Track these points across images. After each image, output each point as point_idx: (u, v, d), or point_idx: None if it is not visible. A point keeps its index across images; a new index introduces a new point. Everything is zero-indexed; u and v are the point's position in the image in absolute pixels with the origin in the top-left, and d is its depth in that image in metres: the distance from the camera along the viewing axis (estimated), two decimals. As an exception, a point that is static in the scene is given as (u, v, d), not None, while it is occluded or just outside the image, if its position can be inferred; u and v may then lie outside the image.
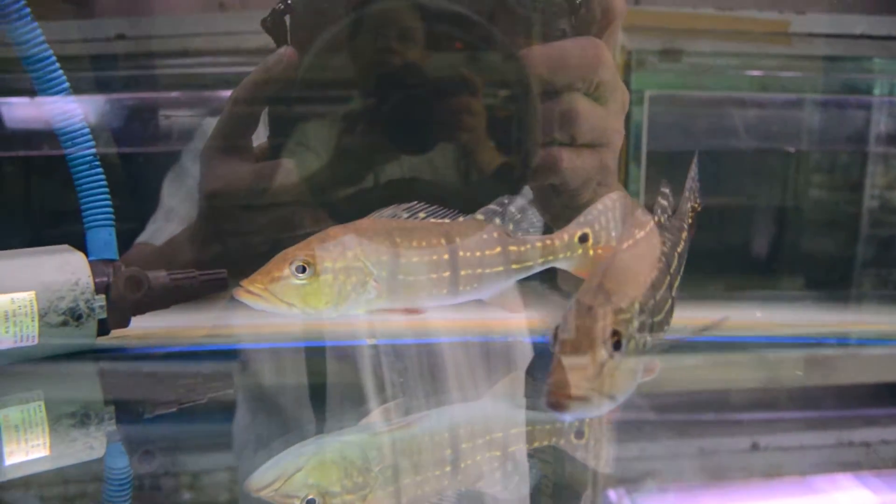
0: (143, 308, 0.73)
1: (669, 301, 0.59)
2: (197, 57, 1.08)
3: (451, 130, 0.79)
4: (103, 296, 0.70)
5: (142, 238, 0.94)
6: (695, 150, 0.75)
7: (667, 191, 0.66)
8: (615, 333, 0.48)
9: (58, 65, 0.69)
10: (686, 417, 0.63)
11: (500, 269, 0.67)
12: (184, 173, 0.98)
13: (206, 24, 1.09)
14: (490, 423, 0.62)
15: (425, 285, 0.64)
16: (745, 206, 1.19)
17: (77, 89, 1.00)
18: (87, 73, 1.05)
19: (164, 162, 1.05)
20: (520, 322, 0.78)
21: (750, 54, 1.14)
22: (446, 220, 0.66)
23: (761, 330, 0.87)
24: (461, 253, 0.65)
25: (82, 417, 0.65)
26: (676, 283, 0.62)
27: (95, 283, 0.69)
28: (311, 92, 0.79)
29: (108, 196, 0.72)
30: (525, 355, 0.77)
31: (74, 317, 0.68)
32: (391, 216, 0.65)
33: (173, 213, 0.96)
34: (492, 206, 0.68)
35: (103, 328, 0.71)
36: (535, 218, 0.69)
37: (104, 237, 0.72)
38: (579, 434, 0.57)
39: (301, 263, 0.61)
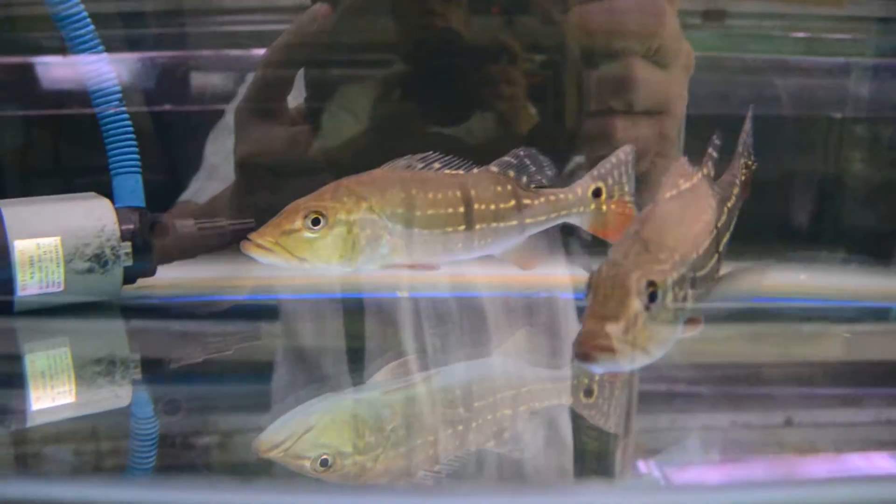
0: (169, 257, 0.72)
1: (716, 256, 0.56)
2: (230, 15, 1.07)
3: (489, 99, 0.76)
4: (129, 243, 0.69)
5: (185, 196, 0.93)
6: (746, 112, 0.70)
7: (718, 142, 0.62)
8: (651, 284, 0.46)
9: (89, 21, 0.68)
10: (720, 390, 0.61)
11: (514, 223, 0.65)
12: (226, 132, 0.97)
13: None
14: (497, 382, 0.60)
15: (440, 239, 0.62)
16: (788, 172, 1.15)
17: (112, 47, 1.00)
18: (121, 30, 1.04)
19: (197, 120, 1.04)
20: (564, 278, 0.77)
21: (797, 15, 1.10)
22: (461, 172, 0.64)
23: (803, 293, 0.83)
24: (477, 206, 0.63)
25: (108, 365, 0.64)
26: (725, 239, 0.59)
27: (121, 230, 0.69)
28: (350, 53, 0.77)
29: (134, 143, 0.71)
30: (566, 311, 0.74)
31: (100, 263, 0.68)
32: (405, 167, 0.63)
33: (216, 172, 0.94)
34: (506, 158, 0.66)
35: (129, 277, 0.70)
36: (549, 170, 0.67)
37: (131, 184, 0.71)
38: (588, 393, 0.56)
39: (315, 215, 0.59)
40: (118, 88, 0.70)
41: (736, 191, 0.63)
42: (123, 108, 0.71)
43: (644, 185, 0.70)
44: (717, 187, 0.60)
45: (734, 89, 1.00)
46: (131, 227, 0.69)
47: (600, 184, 0.67)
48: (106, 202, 0.69)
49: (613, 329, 0.44)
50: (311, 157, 0.76)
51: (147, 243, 0.69)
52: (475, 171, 0.64)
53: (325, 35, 0.74)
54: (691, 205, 0.54)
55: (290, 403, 0.54)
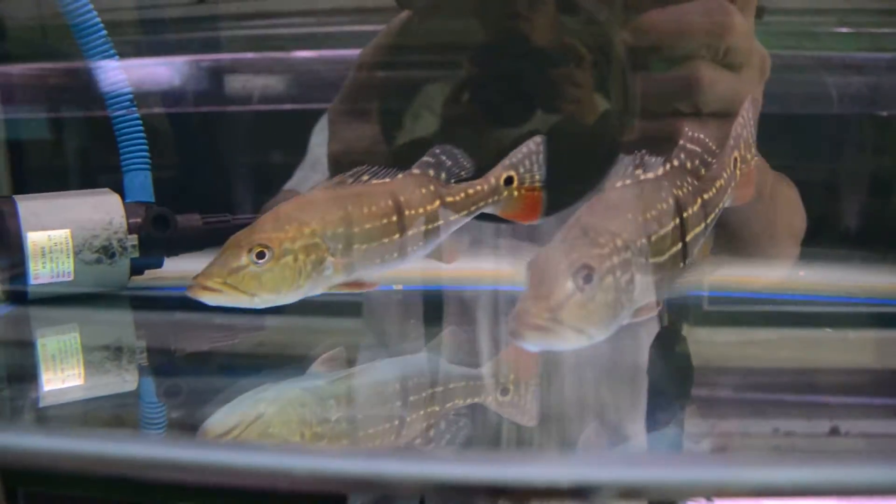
0: (175, 249, 0.75)
1: (679, 245, 0.56)
2: (270, 18, 1.11)
3: (554, 101, 0.77)
4: (136, 235, 0.73)
5: (288, 185, 0.98)
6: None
7: (693, 135, 0.62)
8: (585, 266, 0.47)
9: (102, 29, 0.72)
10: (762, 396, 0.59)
11: (441, 222, 0.66)
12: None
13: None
14: (426, 378, 0.61)
15: (378, 252, 0.62)
16: (835, 172, 1.11)
17: (159, 51, 1.05)
18: (170, 35, 1.09)
19: (237, 120, 1.09)
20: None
21: (842, 10, 1.06)
22: (388, 180, 0.64)
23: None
24: (407, 212, 0.63)
25: (115, 351, 0.67)
26: (698, 230, 0.59)
27: (129, 224, 0.73)
28: (431, 55, 0.80)
29: (144, 141, 0.75)
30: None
31: (108, 254, 0.72)
32: (337, 184, 0.63)
33: (318, 163, 0.97)
34: (426, 159, 0.67)
35: (137, 268, 0.74)
36: (465, 161, 0.68)
37: (140, 180, 0.75)
38: (504, 391, 0.56)
39: (259, 249, 0.57)
40: (129, 91, 0.74)
41: (719, 183, 0.62)
42: (135, 109, 0.74)
43: None
44: (690, 179, 0.59)
45: (780, 88, 0.97)
46: (138, 220, 0.73)
47: (512, 172, 0.68)
48: (115, 197, 0.73)
49: (544, 308, 0.46)
50: (394, 155, 0.78)
51: (149, 234, 0.71)
52: (399, 176, 0.64)
53: (411, 38, 0.76)
54: (645, 194, 0.55)
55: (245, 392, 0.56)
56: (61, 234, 0.70)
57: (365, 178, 0.63)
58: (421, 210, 0.64)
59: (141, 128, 0.75)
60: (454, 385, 0.58)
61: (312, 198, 0.61)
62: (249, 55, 1.12)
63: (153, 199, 0.75)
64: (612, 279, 0.48)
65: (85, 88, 0.95)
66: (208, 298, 0.57)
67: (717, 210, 0.62)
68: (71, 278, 0.71)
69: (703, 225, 0.59)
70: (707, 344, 0.69)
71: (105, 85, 0.73)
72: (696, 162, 0.61)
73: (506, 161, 0.67)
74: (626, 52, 0.75)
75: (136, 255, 0.72)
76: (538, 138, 0.68)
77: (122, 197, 0.75)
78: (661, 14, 0.73)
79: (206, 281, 0.56)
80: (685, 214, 0.57)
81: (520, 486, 0.39)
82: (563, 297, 0.46)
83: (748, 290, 0.78)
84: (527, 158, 0.68)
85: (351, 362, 0.62)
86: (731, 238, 0.78)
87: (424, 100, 0.80)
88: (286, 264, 0.57)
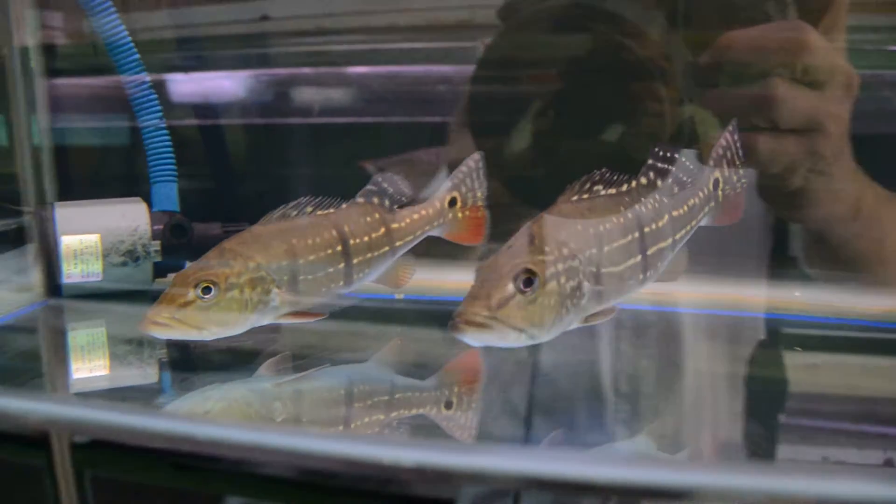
0: (196, 254, 0.82)
1: (638, 257, 0.59)
2: (329, 35, 1.17)
3: (635, 115, 0.80)
4: (159, 241, 0.80)
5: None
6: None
7: (660, 153, 0.64)
8: (527, 271, 0.51)
9: (133, 47, 0.80)
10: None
11: (387, 248, 0.68)
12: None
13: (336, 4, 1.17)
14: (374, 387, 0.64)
15: (323, 281, 0.64)
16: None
17: (224, 66, 1.13)
18: (234, 50, 1.17)
19: (296, 132, 1.15)
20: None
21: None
22: (331, 211, 0.66)
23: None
24: (352, 241, 0.65)
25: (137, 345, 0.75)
26: (663, 245, 0.62)
27: (153, 231, 0.80)
28: (523, 70, 0.85)
29: (171, 155, 0.83)
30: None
31: (133, 258, 0.80)
32: (281, 216, 0.65)
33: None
34: (369, 187, 0.69)
35: (160, 271, 0.81)
36: (405, 188, 0.70)
37: (166, 191, 0.83)
38: (448, 405, 0.59)
39: (205, 284, 0.60)
40: (159, 106, 0.82)
41: (693, 202, 0.64)
42: (164, 125, 0.82)
43: (801, 199, 0.75)
44: (659, 196, 0.62)
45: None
46: (161, 227, 0.80)
47: (455, 193, 0.70)
48: (142, 206, 0.81)
49: (483, 306, 0.50)
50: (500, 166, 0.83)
51: (168, 241, 0.79)
52: (343, 206, 0.66)
53: (502, 53, 0.81)
54: (599, 208, 0.58)
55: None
56: (91, 239, 0.79)
57: (308, 209, 0.65)
58: (366, 238, 0.66)
59: (169, 141, 0.82)
60: (398, 395, 0.62)
61: (257, 232, 0.64)
62: (306, 70, 1.18)
63: (178, 209, 0.82)
64: (555, 284, 0.52)
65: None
66: (159, 333, 0.60)
67: (688, 227, 0.64)
68: (100, 278, 0.79)
69: (669, 240, 0.62)
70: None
71: (135, 100, 0.80)
72: (669, 181, 0.63)
73: (448, 183, 0.70)
74: (701, 68, 0.77)
75: (159, 259, 0.80)
76: (476, 156, 0.70)
77: (150, 206, 0.81)
78: (738, 33, 0.75)
79: (155, 317, 0.59)
80: (646, 229, 0.59)
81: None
82: (503, 298, 0.51)
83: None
84: (468, 178, 0.70)
85: (297, 368, 0.66)
86: (833, 258, 0.80)
87: (523, 113, 0.84)
88: (232, 298, 0.60)
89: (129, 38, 0.80)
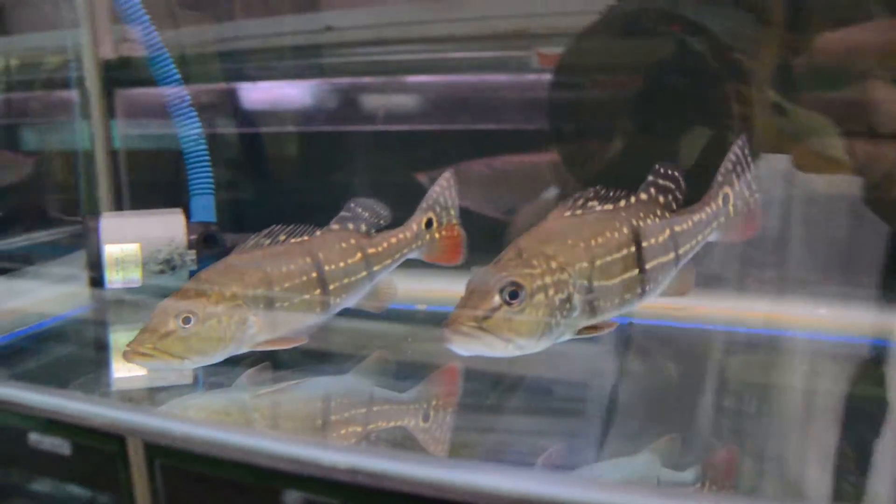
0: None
1: (635, 271, 0.60)
2: (391, 45, 1.20)
3: (716, 117, 0.80)
4: (194, 251, 0.85)
5: None
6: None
7: (664, 171, 0.64)
8: (513, 284, 0.53)
9: (171, 60, 0.85)
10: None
11: (364, 273, 0.68)
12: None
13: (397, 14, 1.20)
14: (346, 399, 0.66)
15: (299, 308, 0.65)
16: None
17: (288, 75, 1.18)
18: (299, 60, 1.21)
19: (355, 141, 1.19)
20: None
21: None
22: (306, 238, 0.67)
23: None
24: (327, 268, 0.66)
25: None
26: (665, 259, 0.62)
27: (189, 241, 0.85)
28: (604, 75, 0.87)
29: (209, 168, 0.87)
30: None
31: (170, 266, 0.85)
32: (254, 245, 0.66)
33: None
34: (343, 213, 0.70)
35: (196, 277, 0.86)
36: (382, 211, 0.70)
37: (204, 203, 0.87)
38: (426, 417, 0.60)
39: (185, 314, 0.61)
40: (198, 123, 0.87)
41: (697, 217, 0.64)
42: (203, 140, 0.87)
43: None
44: (660, 212, 0.62)
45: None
46: (195, 238, 0.85)
47: (431, 214, 0.70)
48: (179, 217, 0.86)
49: (470, 318, 0.53)
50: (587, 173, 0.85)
51: (200, 251, 0.84)
52: (318, 233, 0.67)
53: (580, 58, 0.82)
54: (591, 224, 0.59)
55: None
56: (132, 248, 0.84)
57: (282, 237, 0.67)
58: (342, 264, 0.67)
59: (207, 157, 0.86)
60: (377, 408, 0.64)
61: (231, 262, 0.66)
62: (367, 79, 1.21)
63: (214, 220, 0.87)
64: (543, 297, 0.54)
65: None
66: (141, 363, 0.61)
67: (693, 243, 0.64)
68: (139, 285, 0.84)
69: (671, 255, 0.62)
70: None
71: (175, 113, 0.85)
72: (669, 197, 0.64)
73: (423, 204, 0.71)
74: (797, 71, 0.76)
75: (195, 267, 0.84)
76: (448, 174, 0.71)
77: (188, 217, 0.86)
78: (836, 34, 0.73)
79: (137, 347, 0.61)
80: (645, 244, 0.60)
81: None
82: (489, 309, 0.53)
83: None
84: (441, 197, 0.71)
85: (276, 379, 0.68)
86: None
87: (604, 118, 0.85)
88: (211, 327, 0.62)
89: (167, 52, 0.84)
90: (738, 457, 0.56)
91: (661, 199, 0.63)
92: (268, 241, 0.66)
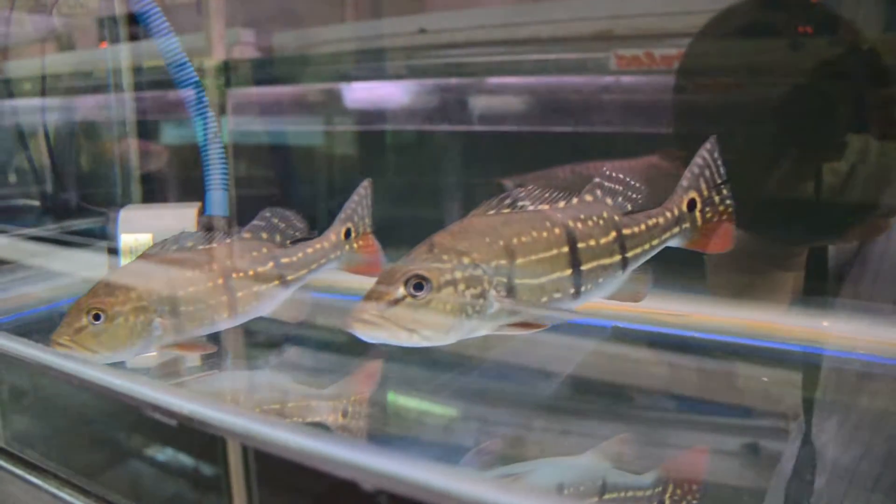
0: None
1: (567, 272, 0.59)
2: (480, 47, 1.18)
3: (870, 123, 0.77)
4: (200, 243, 0.88)
5: None
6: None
7: (612, 174, 0.63)
8: (419, 277, 0.55)
9: (190, 63, 0.89)
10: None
11: (276, 283, 0.67)
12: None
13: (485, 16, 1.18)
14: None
15: (206, 314, 0.66)
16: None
17: (385, 75, 1.21)
18: (396, 62, 1.23)
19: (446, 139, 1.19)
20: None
21: None
22: (215, 245, 0.67)
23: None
24: (236, 275, 0.66)
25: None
26: (606, 261, 0.61)
27: (198, 234, 0.89)
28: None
29: (225, 164, 0.91)
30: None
31: (178, 256, 0.89)
32: (162, 251, 0.67)
33: None
34: (255, 222, 0.69)
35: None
36: (298, 223, 0.69)
37: (218, 197, 0.90)
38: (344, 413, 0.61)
39: (95, 311, 0.64)
40: (215, 120, 0.90)
41: (653, 222, 0.63)
42: (219, 138, 0.90)
43: None
44: (608, 214, 0.61)
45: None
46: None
47: (349, 224, 0.69)
48: (192, 210, 0.90)
49: (374, 307, 0.55)
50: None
51: (204, 244, 0.87)
52: (229, 240, 0.67)
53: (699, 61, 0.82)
54: (515, 223, 0.58)
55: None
56: (145, 238, 0.89)
57: (189, 243, 0.68)
58: (251, 272, 0.67)
59: (224, 153, 0.90)
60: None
61: (139, 265, 0.68)
62: (455, 80, 1.20)
63: (228, 213, 0.90)
64: (452, 290, 0.55)
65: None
66: (62, 352, 0.64)
67: (645, 247, 0.63)
68: (151, 273, 0.89)
69: (617, 257, 0.61)
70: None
71: (195, 115, 0.89)
72: (619, 199, 0.62)
73: (341, 215, 0.69)
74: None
75: (199, 257, 0.88)
76: (365, 183, 0.70)
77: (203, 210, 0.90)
78: None
79: (57, 338, 0.65)
80: (581, 245, 0.59)
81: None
82: (393, 300, 0.55)
83: None
84: (359, 207, 0.69)
85: (187, 371, 0.70)
86: None
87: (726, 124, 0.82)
88: (119, 325, 0.64)
89: (186, 56, 0.88)
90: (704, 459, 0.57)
91: (609, 200, 0.61)
92: (174, 247, 0.68)
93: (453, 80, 1.19)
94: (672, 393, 0.66)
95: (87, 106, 1.26)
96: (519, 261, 0.57)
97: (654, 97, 1.03)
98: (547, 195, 0.60)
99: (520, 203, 0.59)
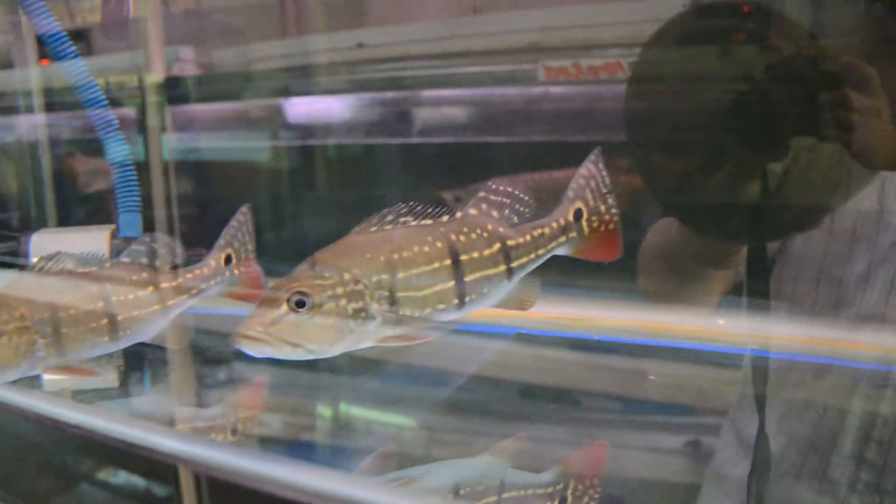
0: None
1: (450, 283, 0.60)
2: (416, 60, 1.18)
3: (821, 130, 0.77)
4: (111, 266, 0.87)
5: None
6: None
7: (497, 187, 0.63)
8: (300, 293, 0.56)
9: (96, 83, 0.89)
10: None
11: (157, 306, 0.67)
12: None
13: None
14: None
15: (87, 337, 0.65)
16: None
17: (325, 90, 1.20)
18: (333, 77, 1.23)
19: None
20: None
21: None
22: (94, 270, 0.66)
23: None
24: (115, 298, 0.65)
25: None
26: (490, 272, 0.62)
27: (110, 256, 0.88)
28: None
29: (136, 187, 0.90)
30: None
31: (88, 280, 0.88)
32: (39, 270, 0.66)
33: None
34: (135, 247, 0.69)
35: (118, 294, 0.89)
36: (174, 249, 0.69)
37: (130, 220, 0.89)
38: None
39: None
40: (125, 144, 0.89)
41: (538, 232, 0.64)
42: (129, 161, 0.89)
43: None
44: (492, 227, 0.62)
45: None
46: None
47: (229, 251, 0.69)
48: (105, 234, 0.88)
49: (257, 323, 0.56)
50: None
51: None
52: (108, 265, 0.67)
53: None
54: (397, 238, 0.60)
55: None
56: (57, 262, 0.88)
57: (69, 265, 0.66)
58: (131, 296, 0.66)
59: (134, 175, 0.89)
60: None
61: (24, 282, 0.66)
62: (390, 94, 1.20)
63: (140, 235, 0.89)
64: (333, 306, 0.56)
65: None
66: None
67: (531, 256, 0.64)
68: (63, 298, 0.88)
69: (501, 267, 0.62)
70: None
71: (103, 138, 0.88)
72: (505, 211, 0.63)
73: (220, 241, 0.69)
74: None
75: (109, 281, 0.87)
76: (244, 208, 0.70)
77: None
78: None
79: None
80: (464, 257, 0.61)
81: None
82: (276, 316, 0.56)
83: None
84: (238, 232, 0.69)
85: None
86: None
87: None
88: (3, 344, 0.63)
89: (92, 77, 0.88)
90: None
91: (496, 213, 0.62)
92: (57, 268, 0.66)
93: (391, 94, 1.19)
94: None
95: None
96: (401, 275, 0.58)
97: (584, 106, 1.03)
98: (429, 210, 0.61)
99: (402, 219, 0.60)
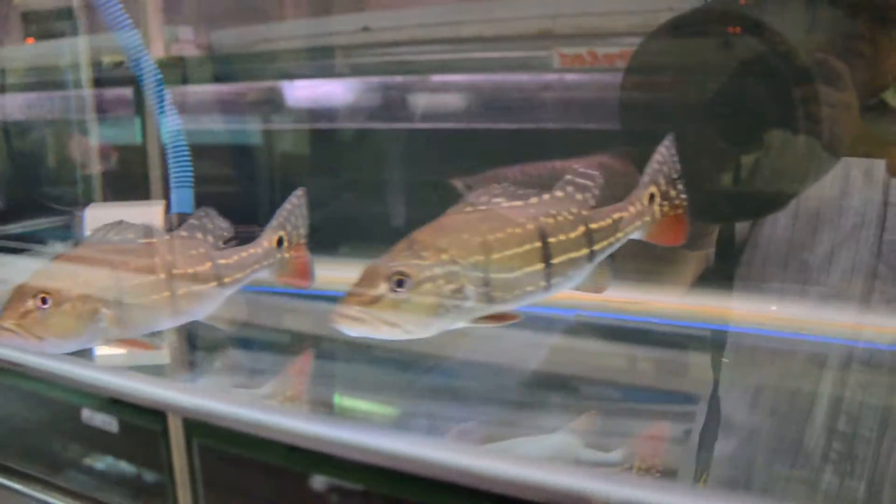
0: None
1: (539, 266, 0.61)
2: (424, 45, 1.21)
3: (795, 122, 0.79)
4: (166, 240, 0.89)
5: None
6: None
7: (584, 171, 0.65)
8: (400, 273, 0.56)
9: (152, 61, 0.89)
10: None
11: (214, 283, 0.66)
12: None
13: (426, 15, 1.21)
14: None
15: (148, 310, 0.63)
16: None
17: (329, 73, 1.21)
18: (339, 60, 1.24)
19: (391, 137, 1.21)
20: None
21: None
22: (155, 241, 0.65)
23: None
24: (175, 271, 0.64)
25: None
26: (575, 255, 0.63)
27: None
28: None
29: (189, 163, 0.91)
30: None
31: (143, 254, 0.89)
32: (101, 240, 0.65)
33: None
34: (192, 221, 0.68)
35: (169, 267, 0.90)
36: (224, 224, 0.69)
37: (183, 196, 0.91)
38: None
39: (42, 295, 0.60)
40: (179, 118, 0.91)
41: (618, 216, 0.65)
42: (182, 137, 0.90)
43: None
44: (577, 210, 0.63)
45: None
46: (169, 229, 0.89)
47: (282, 233, 0.68)
48: (158, 208, 0.90)
49: (356, 302, 0.56)
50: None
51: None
52: (168, 237, 0.66)
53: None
54: (497, 219, 0.60)
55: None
56: (112, 236, 0.88)
57: (130, 235, 0.66)
58: (191, 270, 0.65)
59: (187, 152, 0.90)
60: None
61: (82, 253, 0.66)
62: (399, 78, 1.22)
63: (192, 211, 0.90)
64: (431, 286, 0.57)
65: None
66: (5, 339, 0.61)
67: (611, 240, 0.65)
68: (113, 273, 0.89)
69: (585, 251, 0.63)
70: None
71: (160, 112, 0.89)
72: (587, 194, 0.64)
73: (273, 222, 0.69)
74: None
75: (168, 256, 0.88)
76: (300, 192, 0.70)
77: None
78: None
79: (2, 322, 0.60)
80: (552, 240, 0.61)
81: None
82: (376, 296, 0.56)
83: None
84: (291, 215, 0.69)
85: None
86: None
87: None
88: (65, 311, 0.61)
89: (148, 53, 0.88)
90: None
91: (579, 196, 0.63)
92: (118, 238, 0.65)
93: (398, 78, 1.21)
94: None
95: (44, 102, 1.24)
96: (495, 256, 0.59)
97: (598, 94, 1.08)
98: (520, 192, 0.62)
99: (493, 200, 0.61)
